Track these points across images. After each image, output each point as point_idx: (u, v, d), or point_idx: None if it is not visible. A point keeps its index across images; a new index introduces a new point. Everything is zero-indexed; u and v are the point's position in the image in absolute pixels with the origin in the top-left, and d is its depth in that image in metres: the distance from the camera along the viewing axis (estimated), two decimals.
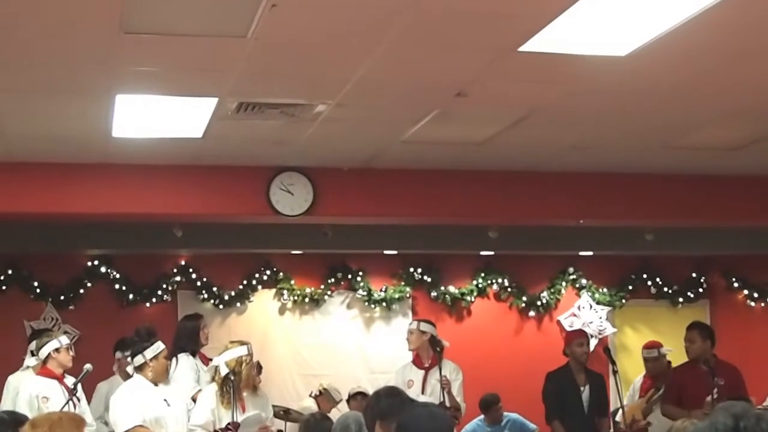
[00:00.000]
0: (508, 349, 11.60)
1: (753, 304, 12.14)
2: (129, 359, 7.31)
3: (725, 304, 12.15)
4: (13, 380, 8.03)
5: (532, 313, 11.79)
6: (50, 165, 8.18)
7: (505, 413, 10.37)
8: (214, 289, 10.98)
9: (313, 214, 8.75)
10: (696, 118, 7.21)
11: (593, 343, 10.75)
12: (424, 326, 8.47)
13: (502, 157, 8.43)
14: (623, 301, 11.93)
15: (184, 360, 7.65)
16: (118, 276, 10.78)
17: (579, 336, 8.73)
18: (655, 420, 8.55)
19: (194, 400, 7.33)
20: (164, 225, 9.37)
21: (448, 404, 8.00)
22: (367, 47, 5.43)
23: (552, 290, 11.81)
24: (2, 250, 9.94)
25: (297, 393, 10.78)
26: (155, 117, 6.95)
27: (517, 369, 11.28)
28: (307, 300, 11.23)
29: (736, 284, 12.13)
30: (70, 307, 10.69)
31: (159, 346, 7.07)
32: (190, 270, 10.94)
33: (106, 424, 7.98)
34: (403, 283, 11.46)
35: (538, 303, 11.77)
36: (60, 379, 7.50)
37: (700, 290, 12.10)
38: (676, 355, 8.78)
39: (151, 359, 7.01)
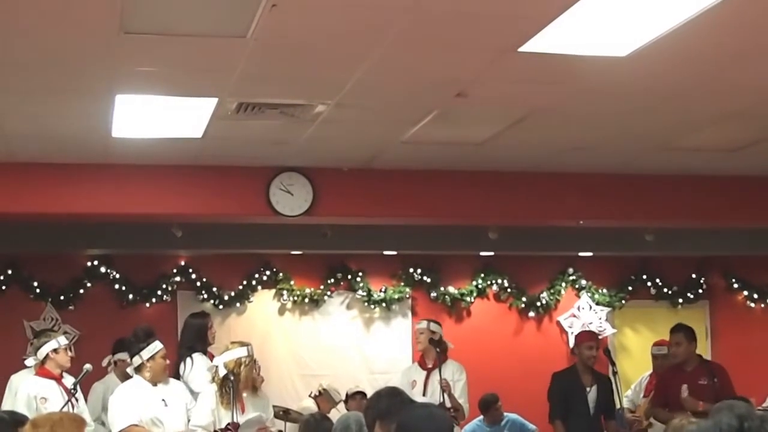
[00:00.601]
0: (507, 350, 11.60)
1: (753, 305, 12.14)
2: (129, 360, 7.34)
3: (725, 305, 12.16)
4: (16, 380, 8.04)
5: (531, 314, 11.79)
6: (50, 165, 8.18)
7: (505, 414, 10.37)
8: (214, 289, 10.98)
9: (313, 214, 8.75)
10: (696, 119, 7.21)
11: None
12: (434, 326, 8.54)
13: (502, 158, 8.43)
14: (623, 301, 11.94)
15: (200, 360, 7.59)
16: (117, 276, 10.78)
17: (589, 339, 8.73)
18: (656, 421, 8.56)
19: None
20: (164, 225, 9.36)
21: (448, 405, 8.03)
22: (366, 47, 5.43)
23: (552, 291, 11.82)
24: (2, 250, 9.93)
25: (296, 393, 10.78)
26: (155, 117, 6.95)
27: (517, 369, 11.29)
28: (306, 300, 11.23)
29: (735, 285, 12.13)
30: (70, 308, 10.69)
31: (155, 347, 7.10)
32: (190, 270, 10.95)
33: (103, 424, 7.99)
34: (402, 284, 11.46)
35: (538, 304, 11.77)
36: (58, 379, 7.50)
37: (700, 291, 12.11)
38: None
39: (148, 359, 7.06)
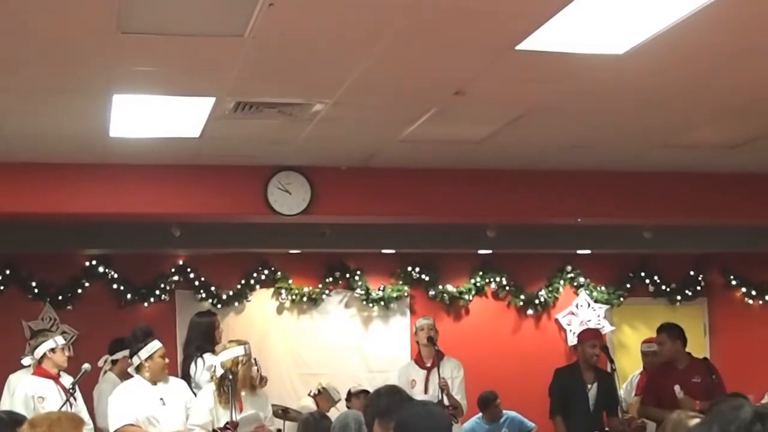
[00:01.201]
0: (506, 348, 11.61)
1: (751, 301, 12.15)
2: (130, 359, 7.37)
3: (723, 302, 12.17)
4: (14, 380, 8.04)
5: (530, 312, 11.79)
6: (48, 165, 8.18)
7: (504, 411, 10.39)
8: (212, 288, 10.99)
9: (311, 213, 8.75)
10: (693, 117, 7.21)
11: None
12: (434, 323, 8.59)
13: (500, 156, 8.43)
14: (621, 299, 11.94)
15: (210, 360, 7.59)
16: (116, 276, 10.78)
17: (593, 337, 8.76)
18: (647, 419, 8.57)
19: None
20: (162, 225, 9.37)
21: (447, 403, 8.04)
22: (364, 46, 5.43)
23: (550, 289, 11.82)
24: (0, 249, 9.93)
25: (295, 392, 10.78)
26: (153, 117, 6.95)
27: (515, 367, 11.30)
28: (305, 299, 11.23)
29: (734, 282, 12.14)
30: (68, 307, 10.69)
31: (153, 346, 7.13)
32: (188, 269, 10.94)
33: None
34: (401, 282, 11.46)
35: (536, 301, 11.78)
36: (56, 378, 7.51)
37: (698, 288, 12.12)
38: None
39: (146, 359, 7.09)
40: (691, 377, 7.86)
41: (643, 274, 12.00)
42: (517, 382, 10.90)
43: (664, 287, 12.03)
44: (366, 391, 9.63)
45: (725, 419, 2.14)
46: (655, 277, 12.02)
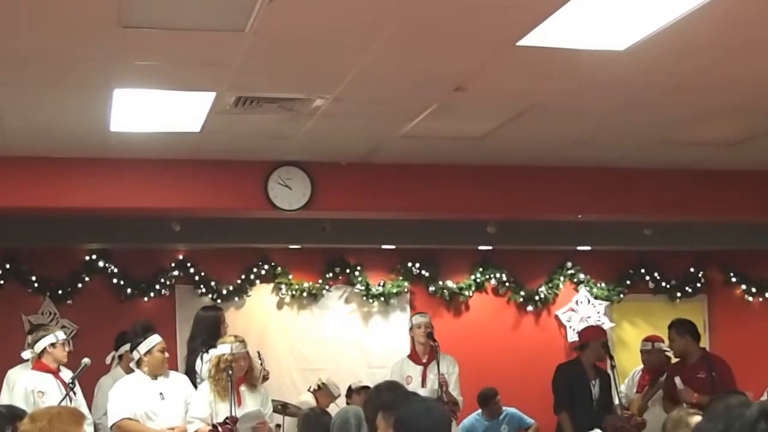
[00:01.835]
0: (506, 344, 11.60)
1: (751, 298, 12.15)
2: (130, 354, 7.40)
3: (723, 299, 12.16)
4: (13, 374, 8.03)
5: (530, 308, 11.78)
6: (48, 159, 8.18)
7: (504, 408, 10.39)
8: (212, 283, 10.97)
9: (311, 208, 8.75)
10: (694, 113, 7.21)
11: None
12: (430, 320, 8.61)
13: (501, 152, 8.43)
14: (621, 295, 11.93)
15: None
16: (116, 270, 10.76)
17: (605, 335, 8.86)
18: (650, 416, 8.58)
19: None
20: (162, 219, 9.37)
21: (445, 399, 8.02)
22: (365, 41, 5.43)
23: (550, 285, 11.82)
24: (0, 244, 9.93)
25: (295, 387, 10.77)
26: (153, 111, 6.95)
27: (515, 364, 11.29)
28: (305, 294, 11.22)
29: (734, 279, 12.13)
30: (68, 302, 10.67)
31: (152, 341, 7.16)
32: (188, 264, 10.93)
33: None
34: (401, 278, 11.45)
35: (536, 298, 11.77)
36: (55, 373, 7.51)
37: (698, 285, 12.11)
38: None
39: (145, 353, 7.13)
40: (697, 373, 7.91)
41: (643, 270, 11.99)
42: (516, 379, 10.90)
43: (664, 284, 12.02)
44: (367, 387, 9.62)
45: (731, 416, 2.15)
46: (655, 274, 12.01)
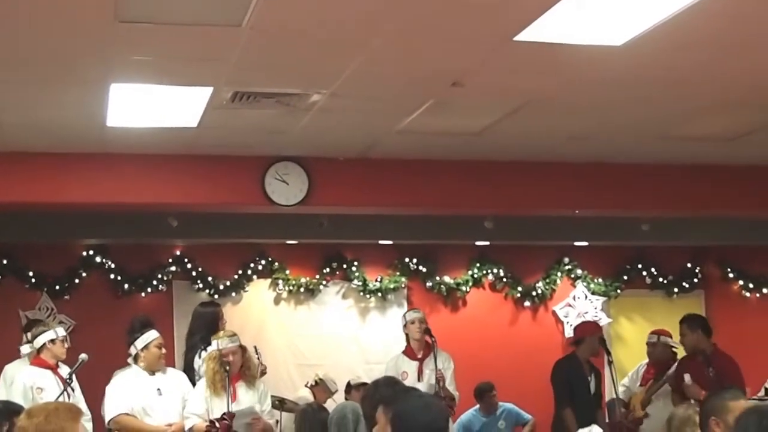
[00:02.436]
0: (503, 340, 11.61)
1: (748, 294, 12.15)
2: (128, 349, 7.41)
3: (720, 295, 12.16)
4: (10, 370, 8.03)
5: (527, 304, 11.79)
6: (45, 155, 8.16)
7: (500, 403, 10.40)
8: (209, 279, 10.97)
9: (309, 204, 8.74)
10: (692, 109, 7.20)
11: None
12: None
13: (498, 147, 8.42)
14: (618, 291, 11.94)
15: None
16: (113, 266, 10.76)
17: (601, 330, 8.87)
18: (653, 410, 8.57)
19: None
20: (159, 215, 9.36)
21: (442, 394, 8.03)
22: (362, 37, 5.42)
23: (547, 280, 11.82)
24: None
25: (292, 383, 10.78)
26: (150, 106, 6.93)
27: (513, 359, 11.30)
28: (302, 290, 11.22)
29: (731, 275, 12.14)
30: (66, 297, 10.67)
31: (149, 337, 7.18)
32: (186, 260, 10.93)
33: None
34: (398, 273, 11.45)
35: (534, 293, 11.77)
36: (54, 369, 7.52)
37: (696, 280, 12.12)
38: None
39: (142, 349, 7.14)
40: (707, 368, 7.90)
41: (640, 266, 11.99)
42: (514, 374, 10.91)
43: (661, 279, 12.03)
44: (366, 384, 9.63)
45: (765, 413, 2.18)
46: (653, 270, 12.01)
